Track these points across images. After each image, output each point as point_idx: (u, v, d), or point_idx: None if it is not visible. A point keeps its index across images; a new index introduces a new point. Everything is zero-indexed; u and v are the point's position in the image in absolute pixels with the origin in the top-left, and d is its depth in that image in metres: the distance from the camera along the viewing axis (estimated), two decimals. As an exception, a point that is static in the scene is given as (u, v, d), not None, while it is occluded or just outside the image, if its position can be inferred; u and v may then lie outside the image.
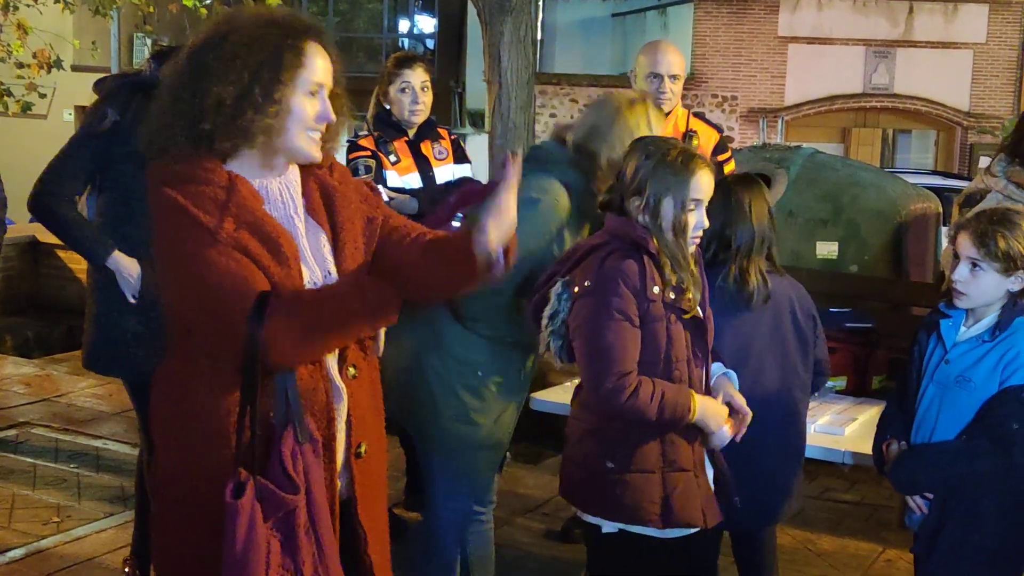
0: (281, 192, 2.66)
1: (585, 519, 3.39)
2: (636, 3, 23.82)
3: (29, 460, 5.98)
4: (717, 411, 3.28)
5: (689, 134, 5.11)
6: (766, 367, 3.65)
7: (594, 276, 3.21)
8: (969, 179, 12.78)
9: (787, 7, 21.48)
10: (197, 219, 2.47)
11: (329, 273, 2.66)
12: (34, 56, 10.69)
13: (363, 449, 2.75)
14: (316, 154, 2.65)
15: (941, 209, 7.60)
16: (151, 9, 11.09)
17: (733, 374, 3.43)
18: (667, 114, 5.03)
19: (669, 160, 3.20)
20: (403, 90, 4.96)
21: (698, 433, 3.28)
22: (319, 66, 2.60)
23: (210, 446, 2.55)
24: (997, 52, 21.67)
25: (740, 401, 3.34)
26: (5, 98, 10.49)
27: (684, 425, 3.21)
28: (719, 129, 5.32)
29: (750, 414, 3.35)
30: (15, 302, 9.84)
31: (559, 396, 4.65)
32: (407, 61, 5.02)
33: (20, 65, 10.68)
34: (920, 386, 3.50)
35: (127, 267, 4.07)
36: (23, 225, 11.68)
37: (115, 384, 6.89)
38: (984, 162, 5.56)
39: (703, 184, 3.21)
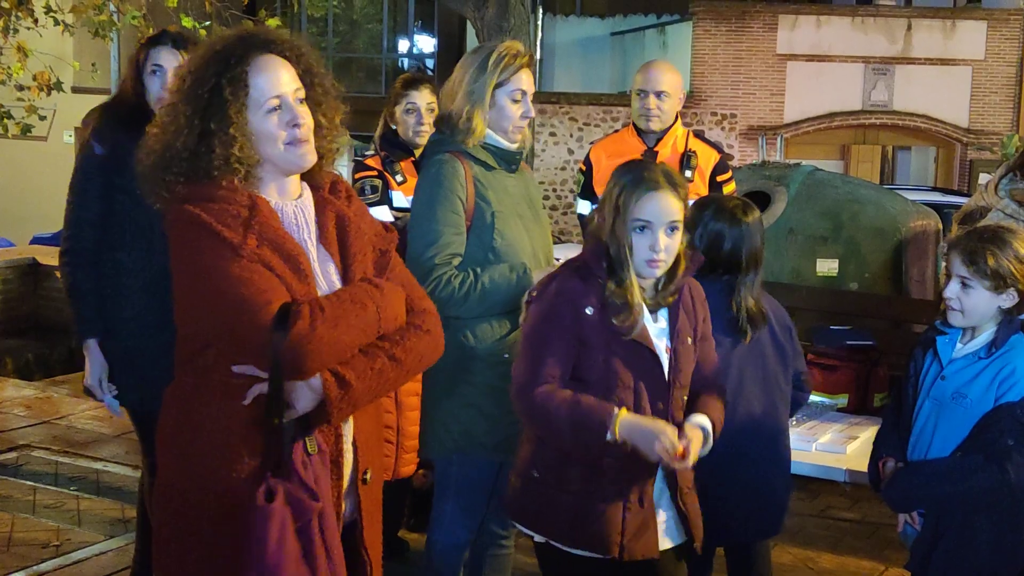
0: (296, 215, 2.71)
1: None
2: (635, 22, 23.88)
3: (29, 483, 5.97)
4: (652, 432, 3.07)
5: (688, 154, 5.13)
6: (746, 380, 3.64)
7: (543, 289, 3.27)
8: (969, 195, 12.78)
9: (786, 25, 21.52)
10: (220, 234, 2.51)
11: None
12: (34, 78, 10.71)
13: (369, 475, 2.78)
14: (306, 161, 2.69)
15: (941, 226, 7.59)
16: (151, 30, 11.11)
17: (706, 425, 3.26)
18: (655, 131, 5.12)
19: (630, 178, 3.17)
20: (409, 111, 4.99)
21: (639, 464, 3.16)
22: (268, 82, 2.63)
23: (220, 462, 2.56)
24: (996, 68, 21.69)
25: (693, 432, 3.18)
26: (5, 120, 10.51)
27: (605, 442, 3.10)
28: (719, 149, 5.33)
29: (699, 444, 3.18)
30: (15, 324, 9.84)
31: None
32: (414, 82, 5.05)
33: (20, 87, 10.69)
34: (916, 403, 3.51)
35: (94, 359, 4.17)
36: (23, 247, 11.70)
37: (115, 406, 6.88)
38: (984, 178, 5.55)
39: (656, 206, 3.13)
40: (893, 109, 21.68)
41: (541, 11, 21.57)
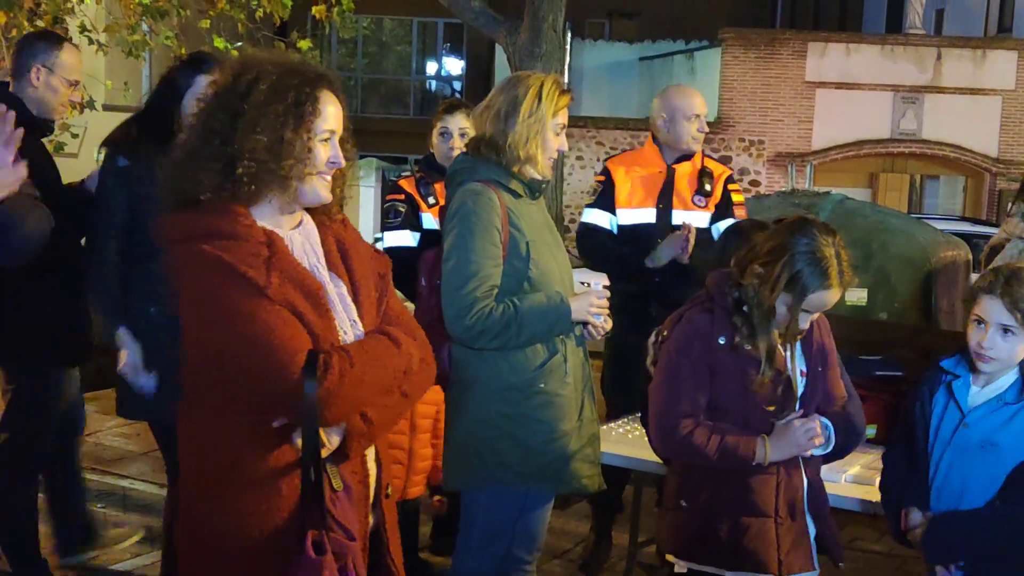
0: (303, 244, 2.73)
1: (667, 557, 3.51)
2: (663, 47, 23.95)
3: (56, 499, 5.97)
4: (788, 435, 3.31)
5: (707, 171, 5.31)
6: None
7: (672, 327, 3.42)
8: (998, 225, 12.73)
9: (815, 52, 21.53)
10: (246, 276, 2.50)
11: (354, 321, 2.72)
12: (68, 96, 10.77)
13: (390, 490, 2.88)
14: (328, 195, 2.73)
15: (971, 256, 7.57)
16: (183, 51, 11.18)
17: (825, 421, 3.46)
18: (695, 151, 5.30)
19: (810, 262, 3.24)
20: (442, 134, 5.04)
21: (787, 482, 3.35)
22: (331, 113, 2.68)
23: (259, 504, 2.56)
24: (1026, 99, 21.65)
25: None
26: (38, 138, 10.56)
27: (754, 466, 3.27)
28: (725, 165, 5.52)
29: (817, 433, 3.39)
30: (44, 340, 9.86)
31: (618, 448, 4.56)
32: (451, 107, 5.11)
33: (53, 106, 10.76)
34: (931, 448, 3.40)
35: (129, 344, 4.22)
36: (53, 263, 11.75)
37: (143, 424, 6.90)
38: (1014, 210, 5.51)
39: (823, 301, 3.27)
40: (922, 138, 21.66)
41: (570, 35, 21.64)
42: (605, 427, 4.55)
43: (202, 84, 4.12)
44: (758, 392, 3.28)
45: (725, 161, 21.22)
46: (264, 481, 2.55)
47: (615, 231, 5.28)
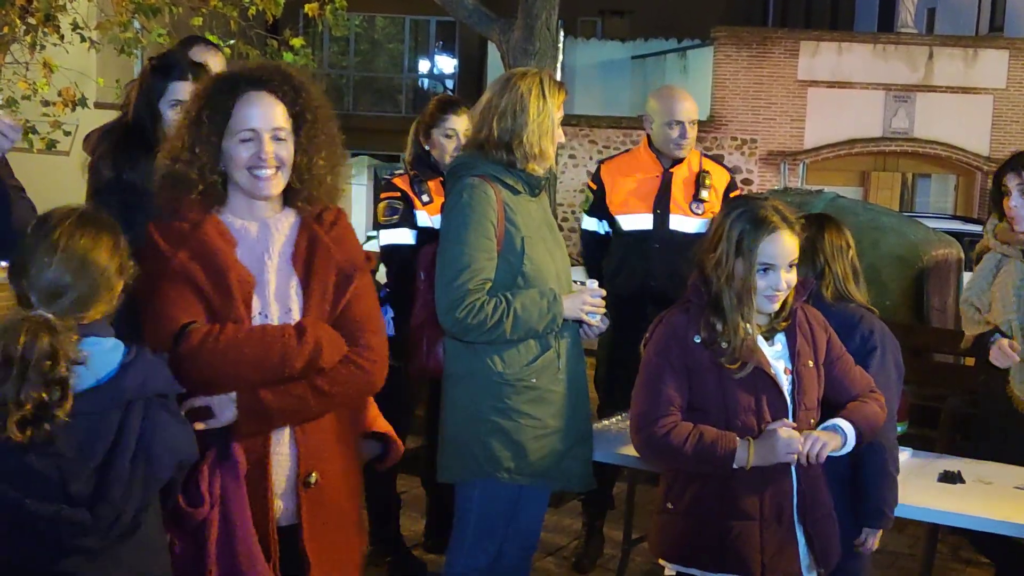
0: (260, 233, 2.96)
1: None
2: (656, 46, 23.94)
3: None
4: (770, 439, 3.21)
5: (703, 174, 5.27)
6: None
7: (653, 327, 3.41)
8: (989, 224, 12.74)
9: (807, 51, 21.54)
10: (158, 245, 2.83)
11: (289, 310, 2.90)
12: (59, 94, 10.75)
13: (313, 479, 2.93)
14: (267, 191, 2.93)
15: (963, 255, 7.57)
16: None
17: (837, 424, 3.36)
18: (683, 158, 5.25)
19: (748, 219, 3.26)
20: (448, 136, 4.94)
21: (774, 486, 3.29)
22: (249, 115, 2.89)
23: None
24: (1017, 97, 21.66)
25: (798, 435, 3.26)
26: (30, 135, 10.53)
27: (734, 469, 3.21)
28: (728, 169, 5.45)
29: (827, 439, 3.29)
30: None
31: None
32: (452, 106, 5.01)
33: (45, 103, 10.73)
34: None
35: None
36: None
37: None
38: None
39: (776, 249, 3.25)
40: (913, 136, 21.68)
41: (562, 34, 21.64)
42: (598, 425, 4.56)
43: (175, 96, 4.03)
44: (731, 367, 3.23)
45: (717, 160, 21.21)
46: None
47: (607, 236, 5.31)
